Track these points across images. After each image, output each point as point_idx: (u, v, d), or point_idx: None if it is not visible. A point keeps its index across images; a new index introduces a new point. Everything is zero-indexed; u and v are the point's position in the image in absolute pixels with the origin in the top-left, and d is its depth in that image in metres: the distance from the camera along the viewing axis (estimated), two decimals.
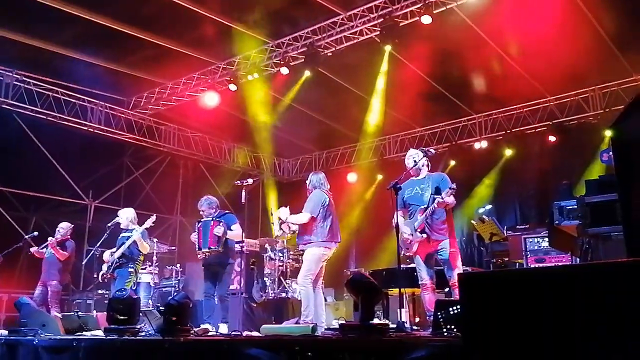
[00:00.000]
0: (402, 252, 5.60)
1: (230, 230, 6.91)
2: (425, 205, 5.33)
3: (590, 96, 10.45)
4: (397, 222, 5.09)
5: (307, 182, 6.27)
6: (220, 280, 6.91)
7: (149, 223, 7.45)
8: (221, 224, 6.83)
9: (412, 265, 7.53)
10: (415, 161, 5.58)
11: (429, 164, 5.67)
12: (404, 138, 12.87)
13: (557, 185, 8.50)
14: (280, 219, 6.43)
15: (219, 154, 13.46)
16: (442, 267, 5.50)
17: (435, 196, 5.25)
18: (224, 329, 6.45)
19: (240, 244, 7.17)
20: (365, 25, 9.01)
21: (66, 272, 8.42)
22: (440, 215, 5.37)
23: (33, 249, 8.40)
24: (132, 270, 7.36)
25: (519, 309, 2.27)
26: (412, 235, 5.40)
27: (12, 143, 9.65)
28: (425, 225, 5.34)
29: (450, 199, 5.24)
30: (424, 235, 5.32)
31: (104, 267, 7.40)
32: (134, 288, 7.37)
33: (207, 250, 6.79)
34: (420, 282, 5.48)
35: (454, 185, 5.22)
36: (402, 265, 5.57)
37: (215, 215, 7.06)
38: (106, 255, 7.50)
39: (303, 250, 6.18)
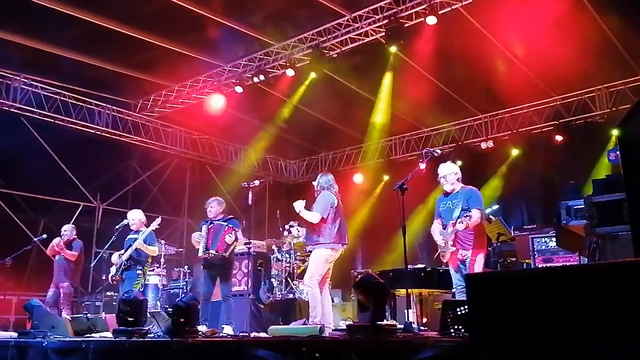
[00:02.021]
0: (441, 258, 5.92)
1: None
2: (454, 221, 5.55)
3: (597, 95, 10.41)
4: (404, 225, 5.26)
5: (315, 183, 6.27)
6: (224, 281, 6.94)
7: (154, 225, 7.48)
8: (234, 232, 6.85)
9: (420, 265, 7.57)
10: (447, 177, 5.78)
11: (460, 179, 5.83)
12: (410, 138, 12.87)
13: (564, 184, 8.48)
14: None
15: (225, 156, 13.51)
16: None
17: (464, 216, 5.45)
18: (228, 330, 6.45)
19: (248, 245, 7.20)
20: (370, 26, 9.01)
21: (77, 273, 8.48)
22: (469, 229, 5.59)
23: (55, 243, 8.36)
24: (140, 272, 7.40)
25: (527, 309, 2.27)
26: (444, 243, 5.66)
27: (20, 146, 9.70)
28: (455, 238, 5.60)
29: (473, 220, 5.43)
30: (454, 248, 5.60)
31: (112, 270, 7.45)
32: (141, 290, 7.42)
33: (215, 252, 6.81)
34: (454, 287, 5.79)
35: (480, 207, 5.55)
36: (409, 266, 5.60)
37: (222, 218, 7.09)
38: (114, 258, 7.55)
39: (310, 251, 6.19)
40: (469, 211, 5.47)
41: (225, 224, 6.93)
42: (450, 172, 5.78)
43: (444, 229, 5.74)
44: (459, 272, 5.64)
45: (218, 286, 7.01)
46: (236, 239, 6.86)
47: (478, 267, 5.52)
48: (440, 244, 5.72)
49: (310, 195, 6.41)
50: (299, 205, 6.07)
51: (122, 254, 7.42)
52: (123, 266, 7.36)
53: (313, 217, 5.94)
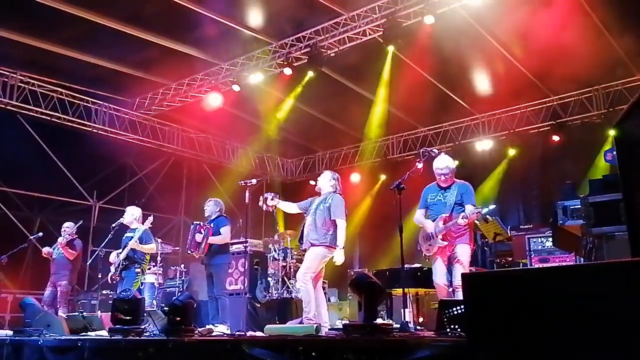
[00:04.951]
0: (423, 253, 5.80)
1: (219, 234, 7.03)
2: (448, 214, 5.48)
3: (594, 95, 10.42)
4: (401, 224, 5.25)
5: (328, 179, 6.13)
6: (213, 280, 6.99)
7: (147, 224, 7.46)
8: (204, 230, 6.89)
9: (416, 265, 7.55)
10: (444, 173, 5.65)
11: (454, 172, 5.80)
12: (407, 138, 12.87)
13: (560, 185, 8.50)
14: (266, 203, 6.24)
15: (222, 155, 13.49)
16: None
17: (462, 213, 5.39)
18: (220, 329, 6.42)
19: (244, 244, 7.23)
20: (368, 25, 9.00)
21: (75, 272, 8.49)
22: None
23: (45, 250, 8.41)
24: (138, 270, 7.41)
25: (523, 308, 2.28)
26: (433, 236, 5.55)
27: (16, 144, 9.67)
28: (447, 232, 5.49)
29: (474, 217, 5.43)
30: (445, 243, 5.49)
31: (112, 269, 7.44)
32: (141, 288, 7.42)
33: (189, 253, 7.00)
34: (434, 282, 5.63)
35: (479, 209, 5.43)
36: (405, 266, 5.59)
37: (213, 218, 7.18)
38: (112, 257, 7.54)
39: (304, 250, 6.13)
40: (462, 206, 5.47)
41: (199, 222, 7.09)
42: (447, 166, 5.71)
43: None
44: (446, 265, 5.53)
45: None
46: (204, 238, 6.90)
47: (468, 261, 5.50)
48: (430, 232, 5.57)
49: (307, 194, 6.38)
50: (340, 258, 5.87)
51: (120, 253, 7.42)
52: (121, 265, 7.35)
53: (343, 226, 5.86)
